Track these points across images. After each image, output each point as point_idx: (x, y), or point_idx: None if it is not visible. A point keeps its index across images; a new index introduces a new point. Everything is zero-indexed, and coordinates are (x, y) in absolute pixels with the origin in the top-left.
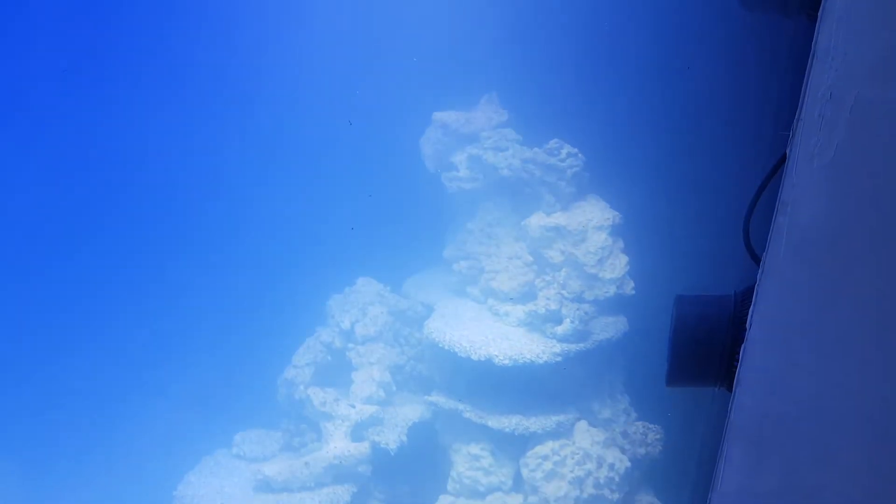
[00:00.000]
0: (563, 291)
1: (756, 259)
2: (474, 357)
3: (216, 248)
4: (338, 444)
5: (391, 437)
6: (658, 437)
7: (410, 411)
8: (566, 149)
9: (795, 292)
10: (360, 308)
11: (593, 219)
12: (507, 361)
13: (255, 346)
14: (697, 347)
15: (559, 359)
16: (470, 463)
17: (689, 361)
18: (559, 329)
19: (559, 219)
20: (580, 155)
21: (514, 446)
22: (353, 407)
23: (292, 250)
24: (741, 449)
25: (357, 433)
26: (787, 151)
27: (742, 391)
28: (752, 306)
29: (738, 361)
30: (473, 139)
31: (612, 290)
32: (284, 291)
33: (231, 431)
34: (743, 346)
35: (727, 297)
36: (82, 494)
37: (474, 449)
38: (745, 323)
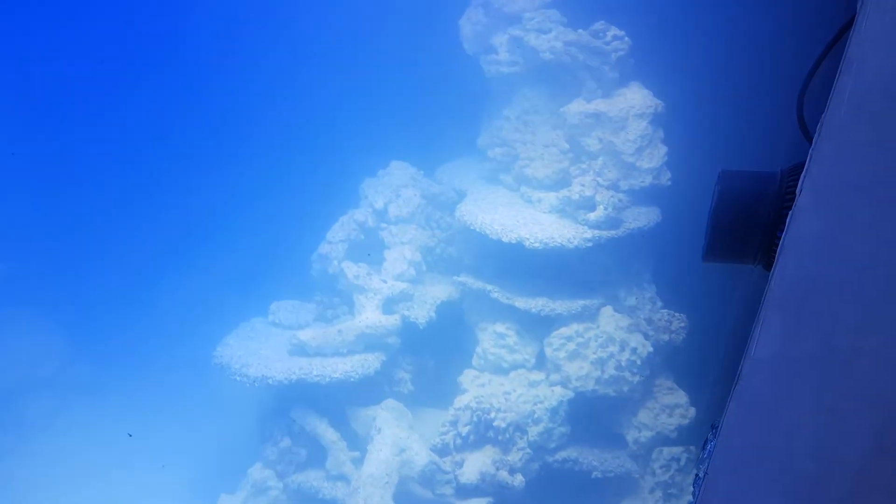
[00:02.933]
0: (599, 179)
1: (807, 133)
2: (505, 239)
3: (257, 135)
4: (369, 316)
5: (420, 313)
6: (682, 325)
7: (439, 290)
8: (612, 31)
9: (855, 153)
10: (393, 190)
11: (635, 106)
12: (537, 244)
13: (289, 227)
14: (739, 222)
15: (589, 244)
16: (495, 341)
17: (729, 236)
18: (592, 216)
19: (600, 105)
20: (626, 38)
21: (538, 327)
22: (385, 282)
23: (328, 137)
24: (779, 315)
25: (388, 307)
26: (858, 7)
27: (786, 258)
28: (803, 173)
29: (780, 235)
30: (516, 20)
31: (647, 180)
32: (321, 176)
33: (266, 302)
34: (790, 213)
35: (773, 173)
36: (126, 355)
37: (500, 328)
38: (791, 198)
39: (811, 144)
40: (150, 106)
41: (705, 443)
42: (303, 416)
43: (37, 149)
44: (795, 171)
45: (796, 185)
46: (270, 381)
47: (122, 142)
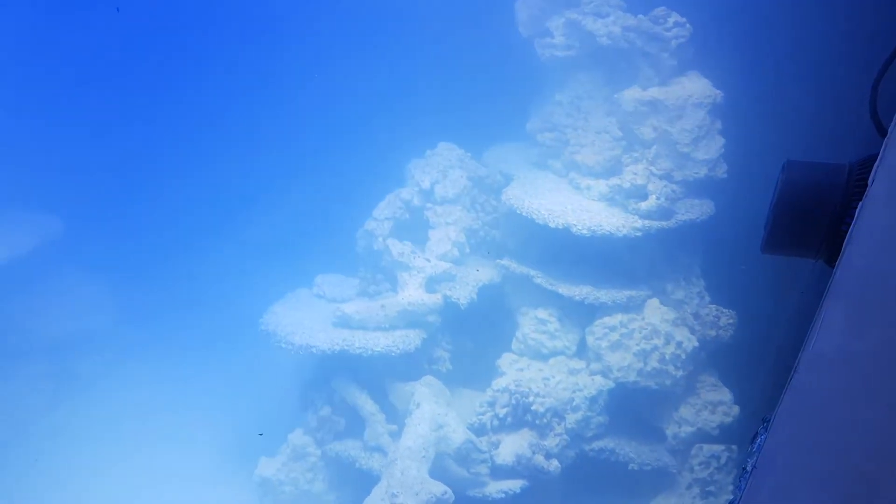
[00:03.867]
0: (652, 168)
1: (879, 124)
2: (552, 225)
3: (307, 112)
4: (412, 293)
5: (462, 293)
6: (731, 321)
7: (482, 273)
8: (673, 17)
9: None
10: (440, 170)
11: (693, 95)
12: (584, 231)
13: (336, 203)
14: (803, 213)
15: (639, 234)
16: (536, 326)
17: (792, 226)
18: (643, 205)
19: (656, 93)
20: (688, 25)
21: (581, 315)
22: (429, 261)
23: (377, 116)
24: (843, 308)
25: (430, 286)
26: None
27: (853, 250)
28: (876, 163)
29: (845, 228)
30: (573, 3)
31: (703, 171)
32: (368, 155)
33: (311, 274)
34: (860, 204)
35: (840, 165)
36: (173, 319)
37: (542, 313)
38: (860, 190)
39: (884, 135)
40: (204, 82)
41: (754, 436)
42: (343, 387)
43: (98, 117)
44: (866, 163)
45: (867, 177)
46: (314, 350)
47: (177, 115)
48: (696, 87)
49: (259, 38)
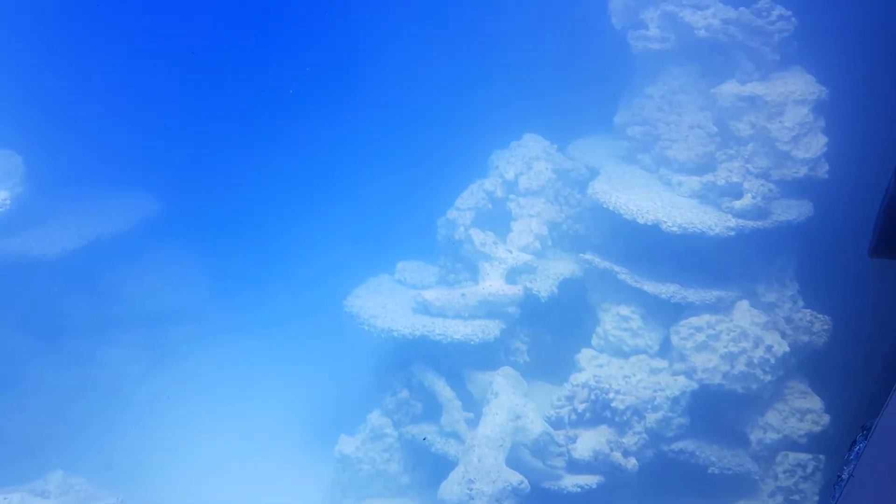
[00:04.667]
0: (749, 166)
1: None
2: (640, 221)
3: (391, 101)
4: (493, 283)
5: (543, 286)
6: (825, 327)
7: (563, 266)
8: (778, 10)
9: None
10: (525, 162)
11: (795, 91)
12: (675, 229)
13: (417, 190)
14: None
15: (732, 233)
16: (618, 323)
17: None
18: (737, 204)
19: (756, 88)
20: (793, 19)
21: (666, 314)
22: (510, 252)
23: (460, 106)
24: None
25: (511, 277)
26: None
27: None
28: None
29: None
30: None
31: (802, 170)
32: (451, 145)
33: (392, 259)
34: None
35: None
36: (259, 298)
37: (624, 310)
38: None
39: None
40: (294, 70)
41: (852, 444)
42: (422, 372)
43: (196, 104)
44: None
45: None
46: (395, 334)
47: (269, 103)
48: (798, 84)
49: (345, 28)
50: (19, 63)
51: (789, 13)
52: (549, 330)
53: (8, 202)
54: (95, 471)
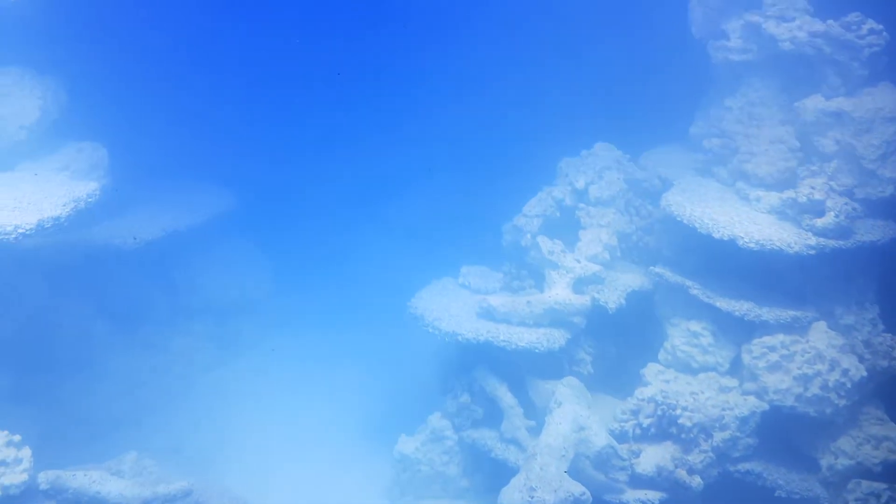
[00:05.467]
0: (832, 183)
1: None
2: (715, 235)
3: (456, 106)
4: (559, 292)
5: (611, 297)
6: None
7: (631, 278)
8: (868, 24)
9: None
10: (596, 171)
11: (884, 108)
12: (752, 245)
13: (481, 194)
14: None
15: (812, 252)
16: (687, 339)
17: None
18: (819, 222)
19: (842, 104)
20: (884, 33)
21: (738, 331)
22: (578, 262)
23: (528, 113)
24: None
25: (578, 286)
26: None
27: None
28: None
29: None
30: (754, 5)
31: (889, 190)
32: (519, 150)
33: (455, 263)
34: None
35: None
36: (322, 294)
37: (694, 326)
38: None
39: None
40: (366, 77)
41: None
42: (484, 377)
43: (269, 104)
44: None
45: None
46: (459, 338)
47: (341, 107)
48: (888, 100)
49: (420, 29)
50: (107, 59)
51: (880, 27)
52: (613, 342)
53: (98, 193)
54: (163, 454)
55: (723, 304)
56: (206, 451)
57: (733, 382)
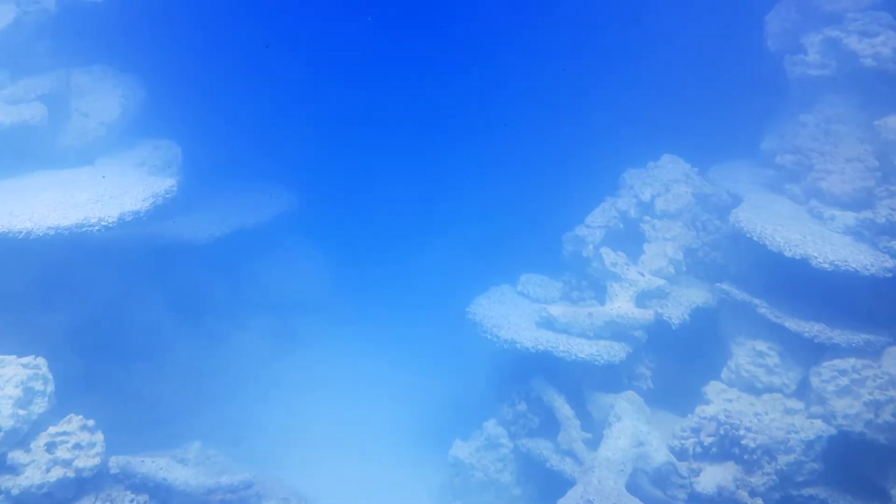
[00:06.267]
0: None
1: None
2: (787, 254)
3: (520, 113)
4: (622, 305)
5: (675, 313)
6: None
7: (696, 294)
8: None
9: None
10: (663, 184)
11: None
12: (825, 265)
13: (540, 202)
14: None
15: (889, 275)
16: (753, 358)
17: None
18: None
19: None
20: None
21: (806, 353)
22: (642, 275)
23: (594, 123)
24: None
25: (641, 300)
26: None
27: None
28: None
29: None
30: (835, 20)
31: None
32: (580, 160)
33: (511, 270)
34: None
35: None
36: (380, 295)
37: (761, 346)
38: None
39: None
40: (432, 87)
41: None
42: (541, 387)
43: (336, 111)
44: None
45: None
46: (518, 347)
47: (404, 117)
48: None
49: (484, 35)
50: (184, 61)
51: None
52: (674, 358)
53: (175, 189)
54: (224, 445)
55: (792, 324)
56: (264, 443)
57: (799, 405)
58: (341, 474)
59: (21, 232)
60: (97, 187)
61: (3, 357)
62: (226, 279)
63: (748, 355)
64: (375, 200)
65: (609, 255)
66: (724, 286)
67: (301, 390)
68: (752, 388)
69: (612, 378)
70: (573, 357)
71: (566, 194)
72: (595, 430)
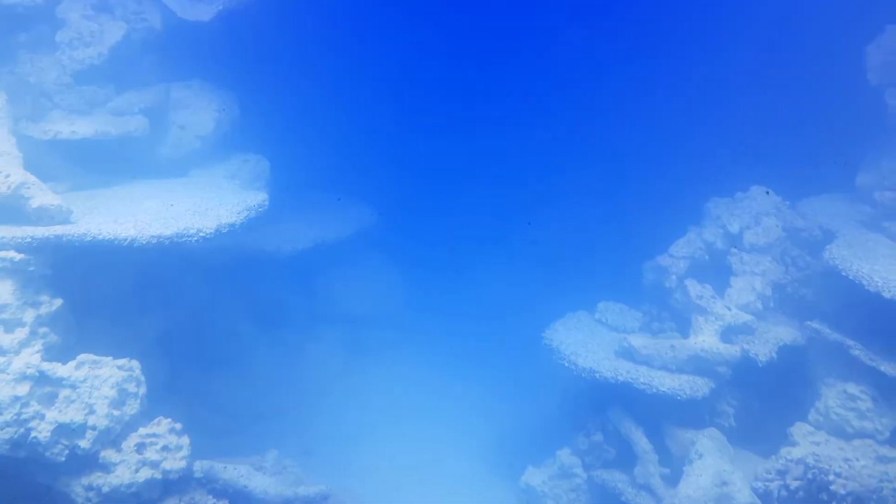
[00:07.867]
0: None
1: None
2: (885, 295)
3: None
4: (706, 339)
5: (762, 350)
6: None
7: (784, 332)
8: None
9: None
10: (752, 216)
11: None
12: None
13: (617, 227)
14: None
15: None
16: (843, 402)
17: None
18: None
19: None
20: None
21: None
22: (729, 309)
23: (675, 147)
24: None
25: (726, 335)
26: None
27: None
28: None
29: None
30: None
31: None
32: (659, 186)
33: (591, 300)
34: None
35: None
36: (447, 312)
37: (852, 389)
38: None
39: None
40: (523, 113)
41: None
42: (619, 418)
43: (415, 133)
44: None
45: None
46: (597, 376)
47: (479, 132)
48: None
49: (566, 58)
50: (276, 79)
51: None
52: (758, 396)
53: (266, 203)
54: (295, 455)
55: (888, 368)
56: (335, 455)
57: (893, 453)
58: (412, 491)
59: (126, 239)
60: (192, 198)
61: (100, 358)
62: (303, 291)
63: (838, 398)
64: (452, 219)
65: (695, 287)
66: (815, 325)
67: (371, 405)
68: (842, 433)
69: (692, 413)
70: (654, 390)
71: (641, 218)
72: (674, 465)
